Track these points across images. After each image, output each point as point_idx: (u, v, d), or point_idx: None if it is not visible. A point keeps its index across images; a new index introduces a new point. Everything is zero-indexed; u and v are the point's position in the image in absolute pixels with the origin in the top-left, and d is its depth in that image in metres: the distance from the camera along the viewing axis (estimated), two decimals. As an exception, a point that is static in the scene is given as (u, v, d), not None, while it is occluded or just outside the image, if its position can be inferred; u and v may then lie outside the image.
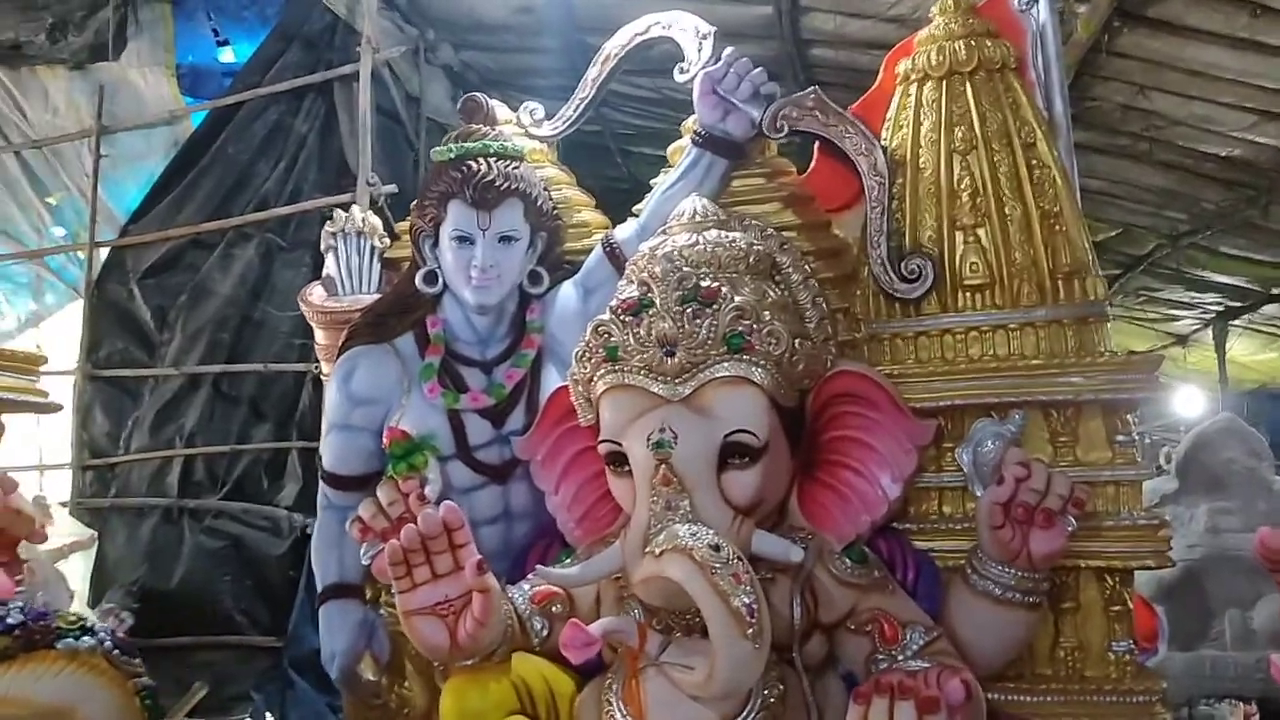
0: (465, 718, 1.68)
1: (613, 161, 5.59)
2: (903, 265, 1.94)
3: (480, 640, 1.66)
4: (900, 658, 1.65)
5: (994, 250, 1.91)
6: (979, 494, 1.80)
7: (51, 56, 4.63)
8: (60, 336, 4.82)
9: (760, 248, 1.90)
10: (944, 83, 2.01)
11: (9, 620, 0.80)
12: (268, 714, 3.72)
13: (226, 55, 4.91)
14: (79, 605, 2.93)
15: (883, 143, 2.01)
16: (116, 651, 0.88)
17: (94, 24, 4.56)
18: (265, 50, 4.57)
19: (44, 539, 1.82)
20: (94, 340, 4.53)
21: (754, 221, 2.01)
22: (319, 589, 2.23)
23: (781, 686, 1.68)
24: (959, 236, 1.93)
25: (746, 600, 1.52)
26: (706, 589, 1.52)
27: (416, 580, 1.65)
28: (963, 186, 1.94)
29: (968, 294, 1.92)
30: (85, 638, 0.84)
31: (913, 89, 2.05)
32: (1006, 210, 1.91)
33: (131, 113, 4.68)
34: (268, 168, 4.42)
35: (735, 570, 1.55)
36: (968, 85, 1.99)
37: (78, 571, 3.27)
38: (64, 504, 4.14)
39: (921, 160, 1.99)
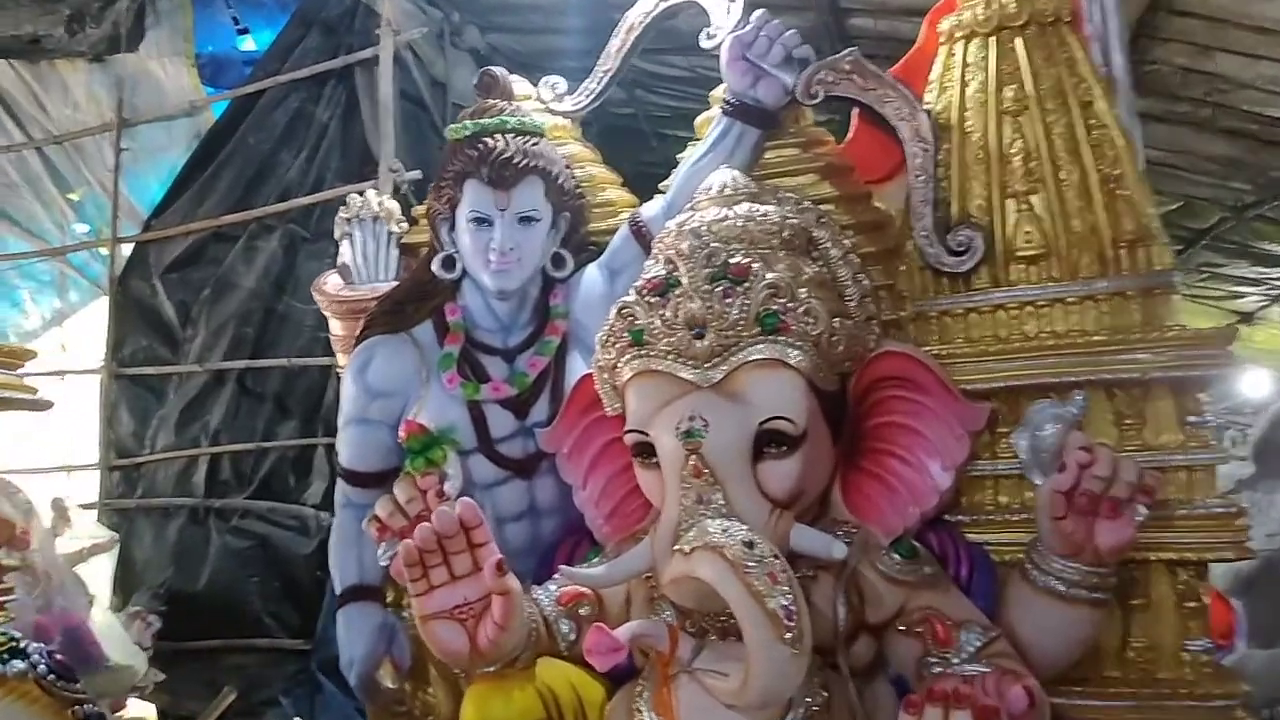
0: (488, 727, 1.56)
1: (647, 145, 5.49)
2: (950, 237, 1.80)
3: (502, 645, 1.55)
4: (955, 661, 1.53)
5: (1049, 218, 1.76)
6: (1038, 482, 1.66)
7: (70, 49, 4.58)
8: (85, 334, 4.79)
9: (795, 221, 1.77)
10: (992, 39, 1.86)
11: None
12: (296, 719, 3.65)
13: (247, 44, 4.85)
14: (100, 608, 2.87)
15: (926, 106, 1.87)
16: (53, 677, 0.77)
17: (112, 15, 4.50)
18: (285, 37, 4.50)
19: (25, 545, 1.74)
20: (118, 338, 4.48)
21: (788, 194, 1.88)
22: (337, 591, 2.13)
23: (825, 693, 1.56)
24: (1011, 204, 1.79)
25: (784, 601, 1.41)
26: (740, 590, 1.40)
27: (433, 582, 1.54)
28: (1014, 150, 1.80)
29: (1021, 266, 1.78)
30: (15, 661, 0.73)
31: (958, 48, 1.91)
32: (1062, 175, 1.77)
33: (152, 105, 4.63)
34: (290, 157, 4.35)
35: (771, 569, 1.43)
36: (1018, 41, 1.85)
37: (103, 574, 3.20)
38: (87, 505, 4.10)
39: (968, 124, 1.85)
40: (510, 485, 2.07)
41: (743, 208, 1.75)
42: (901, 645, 1.61)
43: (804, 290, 1.61)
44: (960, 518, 1.76)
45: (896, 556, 1.63)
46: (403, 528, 1.94)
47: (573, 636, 1.70)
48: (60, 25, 4.49)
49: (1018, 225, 1.78)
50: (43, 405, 1.98)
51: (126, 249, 4.59)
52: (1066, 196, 1.76)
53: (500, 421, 2.06)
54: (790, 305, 1.59)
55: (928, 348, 1.77)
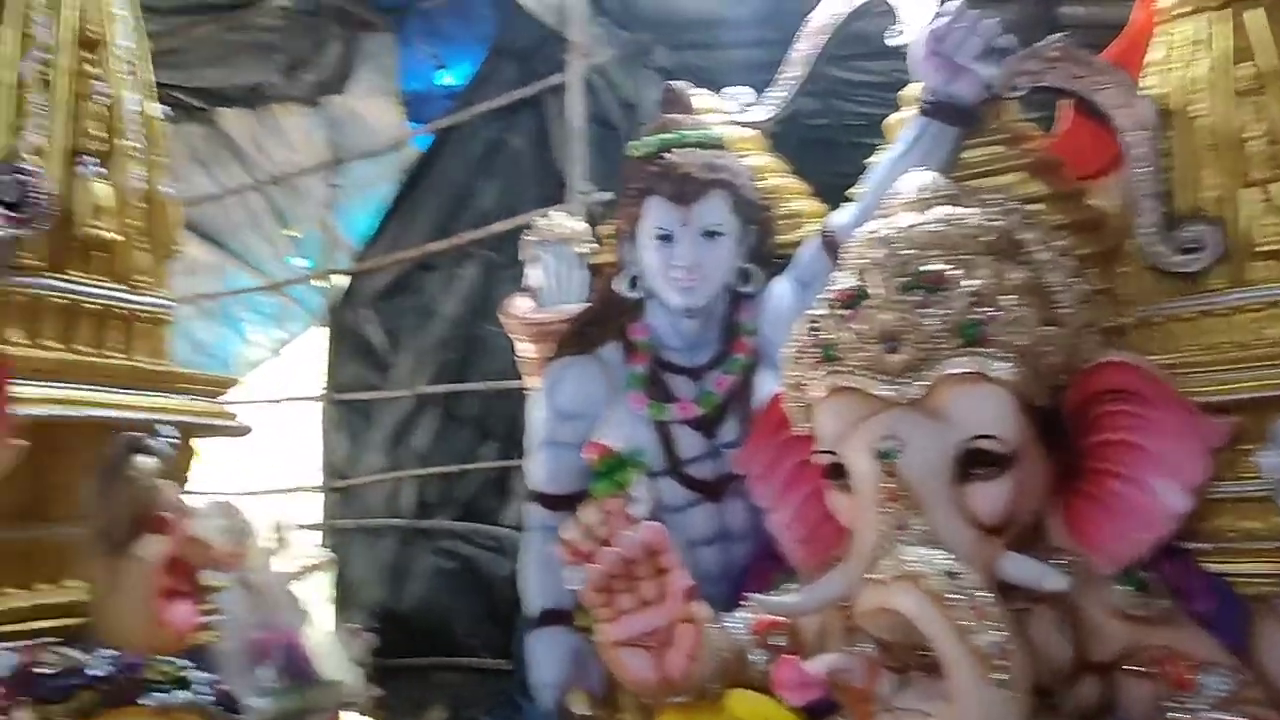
0: (676, 760, 1.50)
1: (843, 155, 5.31)
2: (1178, 234, 1.63)
3: (690, 675, 1.49)
4: (1197, 709, 1.36)
5: (1296, 208, 1.56)
6: (1292, 506, 1.46)
7: (287, 95, 4.88)
8: (302, 362, 5.07)
9: (999, 224, 1.63)
10: (1221, 14, 1.68)
11: (92, 671, 0.70)
12: (500, 739, 3.70)
13: (446, 79, 5.02)
14: (316, 626, 2.97)
15: (1145, 91, 1.70)
16: (218, 707, 0.76)
17: (324, 61, 4.77)
18: (482, 70, 4.63)
19: (232, 567, 1.81)
20: (333, 365, 4.70)
21: (992, 195, 1.74)
22: (530, 614, 2.13)
23: (1046, 739, 1.41)
24: (1249, 194, 1.60)
25: (992, 638, 1.28)
26: (941, 625, 1.28)
27: (620, 609, 1.50)
28: (1252, 134, 1.61)
29: (1263, 263, 1.58)
30: (179, 692, 0.73)
31: (1180, 26, 1.74)
32: (1311, 158, 1.56)
33: (361, 142, 4.87)
34: (486, 186, 4.46)
35: (977, 602, 1.30)
36: (1254, 13, 1.65)
37: (319, 592, 3.34)
38: (306, 526, 4.30)
39: (1196, 107, 1.67)
40: (700, 508, 2.02)
41: (939, 211, 1.63)
42: (1133, 688, 1.44)
43: (1009, 298, 1.48)
44: (1199, 546, 1.58)
45: (1124, 589, 1.47)
46: (589, 552, 1.91)
47: (766, 668, 1.62)
48: (278, 73, 4.79)
49: (1258, 217, 1.59)
50: (241, 431, 2.06)
51: (341, 280, 4.83)
52: (1316, 182, 1.56)
53: (689, 442, 2.01)
54: (994, 314, 1.45)
55: (1154, 357, 1.59)
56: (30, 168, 1.26)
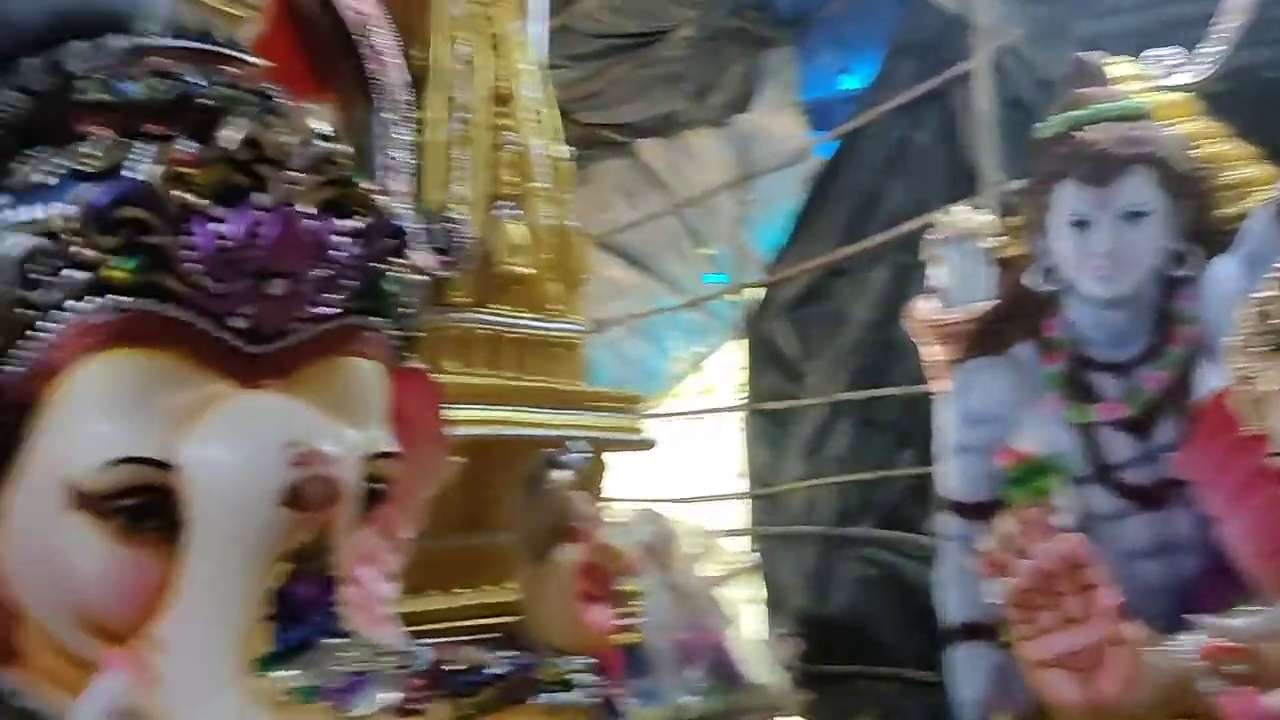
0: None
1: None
2: None
3: (1124, 700, 1.35)
4: None
5: None
6: None
7: (696, 119, 5.09)
8: (720, 375, 5.25)
9: None
10: None
11: (491, 670, 0.76)
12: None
13: (846, 83, 4.99)
14: (741, 630, 3.06)
15: None
16: (602, 710, 0.80)
17: (728, 81, 4.92)
18: (883, 70, 4.55)
19: (642, 572, 1.90)
20: (750, 376, 4.83)
21: None
22: (949, 628, 2.04)
23: None
24: None
25: None
26: None
27: (1041, 626, 1.39)
28: None
29: None
30: (566, 694, 0.76)
31: None
32: None
33: (768, 157, 4.96)
34: (894, 187, 4.37)
35: None
36: None
37: (744, 598, 3.44)
38: (730, 533, 4.43)
39: None
40: (1137, 517, 1.83)
41: None
42: None
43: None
44: None
45: None
46: (1007, 565, 1.79)
47: (1216, 698, 1.43)
48: (687, 100, 5.03)
49: None
50: (647, 445, 2.17)
51: (755, 293, 4.95)
52: None
53: (1117, 445, 1.83)
54: None
55: None
56: (457, 216, 1.42)
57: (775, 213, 4.93)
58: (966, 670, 1.98)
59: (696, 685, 2.58)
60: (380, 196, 0.92)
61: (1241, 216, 1.85)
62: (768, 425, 4.71)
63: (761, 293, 4.93)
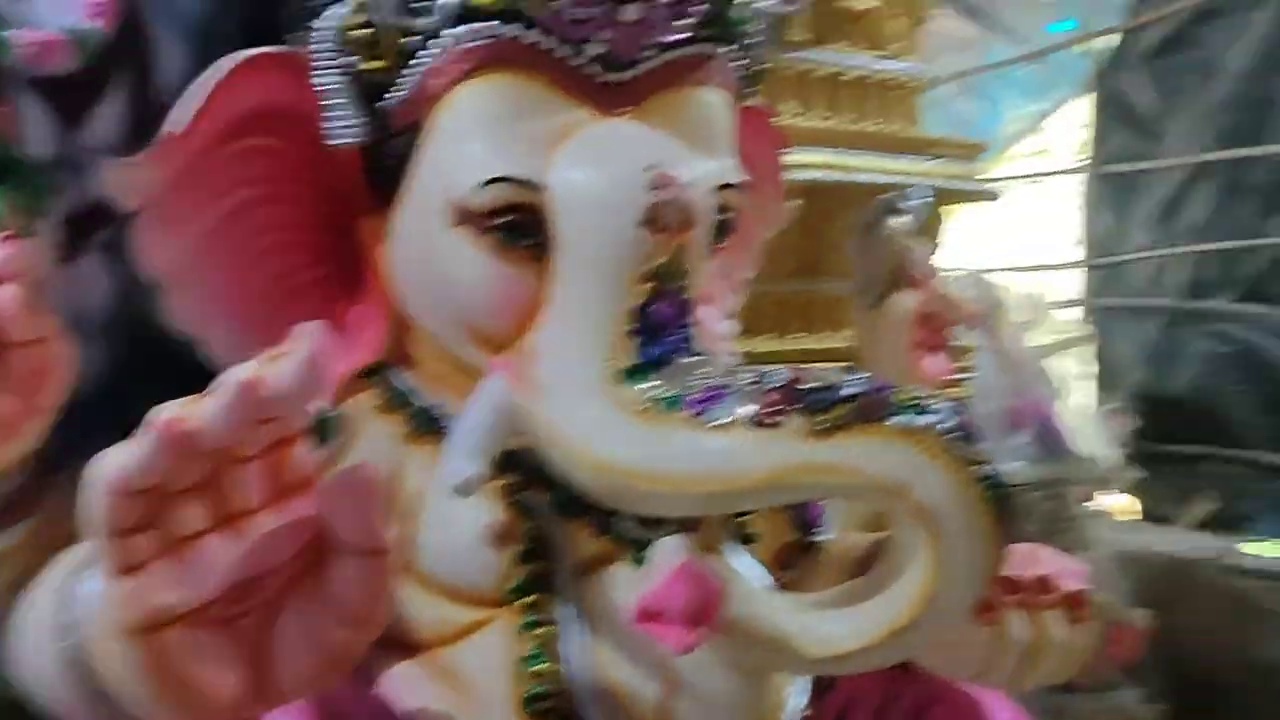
0: None
1: None
2: None
3: None
4: None
5: None
6: None
7: None
8: (1063, 135, 4.83)
9: None
10: None
11: (847, 390, 0.76)
12: (1276, 538, 3.34)
13: None
14: (1070, 402, 2.95)
15: None
16: (957, 435, 0.78)
17: None
18: None
19: (981, 325, 1.82)
20: (1099, 134, 4.41)
21: None
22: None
23: None
24: None
25: None
26: None
27: None
28: None
29: None
30: (920, 416, 0.76)
31: None
32: None
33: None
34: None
35: None
36: None
37: (1076, 370, 3.29)
38: (1064, 304, 4.21)
39: None
40: None
41: None
42: None
43: None
44: None
45: None
46: None
47: None
48: None
49: None
50: (990, 196, 2.05)
51: (1109, 41, 4.45)
52: None
53: None
54: None
55: None
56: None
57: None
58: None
59: (1021, 452, 2.53)
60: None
61: None
62: (1114, 189, 4.33)
63: (1116, 40, 4.43)
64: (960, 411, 0.80)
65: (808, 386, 0.77)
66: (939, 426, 0.78)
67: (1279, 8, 3.76)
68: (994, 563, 0.81)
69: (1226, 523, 3.60)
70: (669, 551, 0.83)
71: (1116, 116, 4.41)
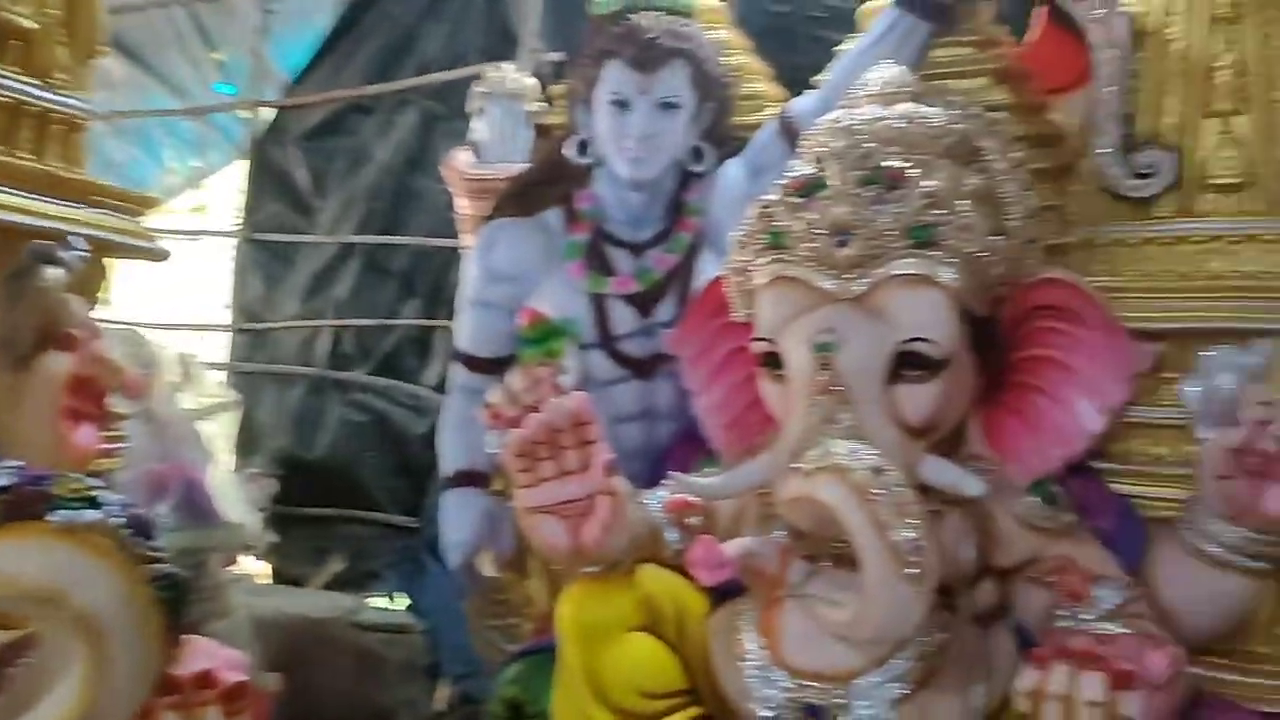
0: (582, 628, 1.53)
1: (802, 47, 5.16)
2: (1134, 157, 1.62)
3: (605, 547, 1.49)
4: (1087, 617, 1.41)
5: (1255, 144, 1.57)
6: (1205, 436, 1.50)
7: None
8: (222, 196, 4.86)
9: (961, 127, 1.60)
10: (1210, -65, 1.66)
11: (-6, 481, 0.66)
12: (400, 594, 3.72)
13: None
14: (218, 467, 2.92)
15: (1125, 8, 1.67)
16: (128, 530, 0.72)
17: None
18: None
19: (139, 393, 1.74)
20: (253, 202, 4.52)
21: (956, 98, 1.71)
22: (444, 474, 2.12)
23: (942, 635, 1.46)
24: (1210, 125, 1.60)
25: (909, 535, 1.30)
26: (862, 518, 1.30)
27: (541, 476, 1.49)
28: (1222, 63, 1.59)
29: (1215, 195, 1.60)
30: (88, 511, 0.69)
31: (1168, -56, 1.71)
32: (1277, 94, 1.56)
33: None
34: (432, 30, 4.26)
35: (899, 499, 1.32)
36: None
37: (222, 434, 3.27)
38: (213, 365, 4.20)
39: (1171, 30, 1.65)
40: (628, 385, 2.01)
41: (904, 108, 1.59)
42: (1030, 594, 1.50)
43: (963, 203, 1.46)
44: (1108, 466, 1.62)
45: (1034, 500, 1.51)
46: (514, 418, 1.89)
47: (679, 546, 1.64)
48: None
49: (1216, 149, 1.59)
50: (160, 255, 1.96)
51: (267, 113, 4.60)
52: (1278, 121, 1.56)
53: (623, 317, 1.99)
54: (946, 218, 1.44)
55: (1093, 279, 1.60)
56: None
57: (301, 30, 4.58)
58: (456, 514, 2.07)
59: (164, 520, 2.44)
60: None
61: (753, 126, 2.05)
62: (267, 257, 4.46)
63: (274, 114, 4.60)
64: (132, 504, 0.73)
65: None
66: (108, 522, 0.70)
67: (423, 111, 4.27)
68: (160, 666, 0.75)
69: (356, 581, 3.89)
70: None
71: (271, 187, 4.57)
